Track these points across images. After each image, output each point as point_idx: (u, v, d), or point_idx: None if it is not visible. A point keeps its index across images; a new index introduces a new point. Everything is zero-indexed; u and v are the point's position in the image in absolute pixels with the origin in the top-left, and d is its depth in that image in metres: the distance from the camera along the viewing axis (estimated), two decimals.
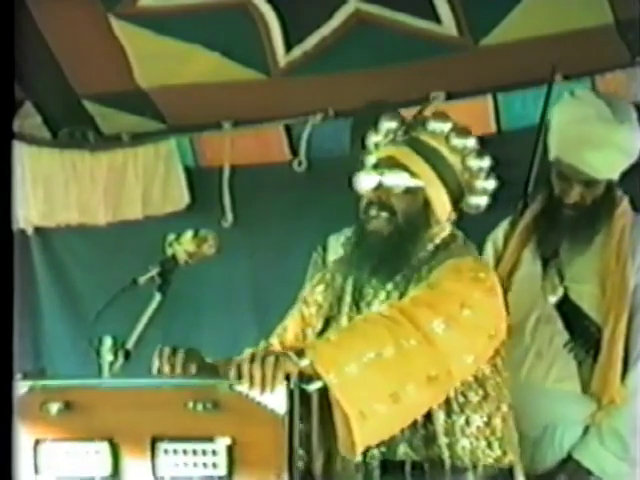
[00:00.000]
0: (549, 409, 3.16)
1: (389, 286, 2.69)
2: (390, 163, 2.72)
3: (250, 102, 4.29)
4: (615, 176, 3.22)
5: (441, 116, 2.78)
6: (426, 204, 2.71)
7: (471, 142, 2.74)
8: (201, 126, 4.46)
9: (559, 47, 3.65)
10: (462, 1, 3.82)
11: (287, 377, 2.31)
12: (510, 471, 2.69)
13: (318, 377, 2.35)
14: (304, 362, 2.35)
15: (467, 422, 2.60)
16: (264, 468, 2.29)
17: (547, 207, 3.29)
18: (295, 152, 4.31)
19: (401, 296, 2.64)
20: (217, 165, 4.43)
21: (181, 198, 4.46)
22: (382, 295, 2.69)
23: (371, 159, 2.82)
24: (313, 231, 3.73)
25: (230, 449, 2.31)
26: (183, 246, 2.73)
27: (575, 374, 3.15)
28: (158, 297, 2.67)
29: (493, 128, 3.97)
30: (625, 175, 3.25)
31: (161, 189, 4.49)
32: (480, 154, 2.75)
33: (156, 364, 2.62)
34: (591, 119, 3.18)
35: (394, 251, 2.68)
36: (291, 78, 4.14)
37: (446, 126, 2.74)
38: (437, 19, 3.88)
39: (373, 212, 2.70)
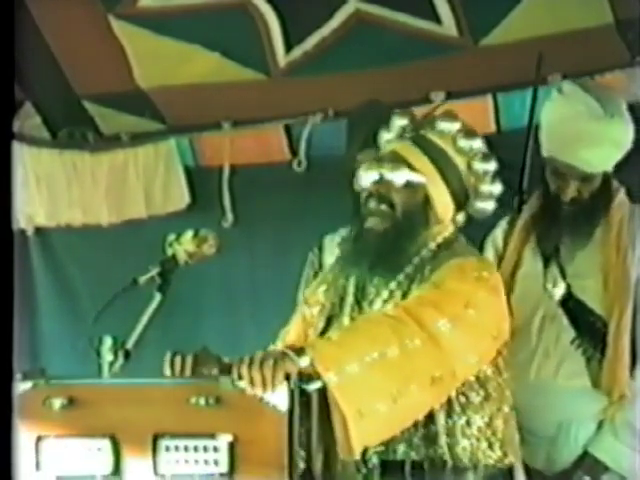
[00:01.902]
0: (561, 407, 3.16)
1: (392, 285, 2.68)
2: (392, 157, 2.71)
3: (250, 102, 4.29)
4: (610, 168, 3.22)
5: (450, 116, 2.77)
6: (426, 201, 2.70)
7: (477, 144, 2.73)
8: (201, 126, 4.46)
9: (559, 47, 3.65)
10: (462, 1, 3.82)
11: (287, 377, 2.31)
12: (510, 471, 2.69)
13: (318, 376, 2.35)
14: (304, 361, 2.35)
15: (468, 423, 2.59)
16: (266, 465, 2.29)
17: (544, 204, 3.29)
18: (295, 152, 4.31)
19: (404, 295, 2.64)
20: (217, 165, 4.43)
21: (182, 198, 4.46)
22: (385, 294, 2.68)
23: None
24: (313, 231, 3.72)
25: (232, 446, 2.31)
26: (183, 246, 2.73)
27: (584, 370, 3.15)
28: (158, 297, 2.67)
29: (493, 128, 3.97)
30: (621, 166, 3.25)
31: (162, 189, 4.49)
32: (486, 157, 2.74)
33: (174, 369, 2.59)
34: (582, 117, 3.18)
35: (391, 247, 2.67)
36: (291, 78, 4.14)
37: (454, 126, 2.73)
38: (437, 19, 3.88)
39: (372, 205, 2.70)
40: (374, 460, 2.57)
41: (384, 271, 2.68)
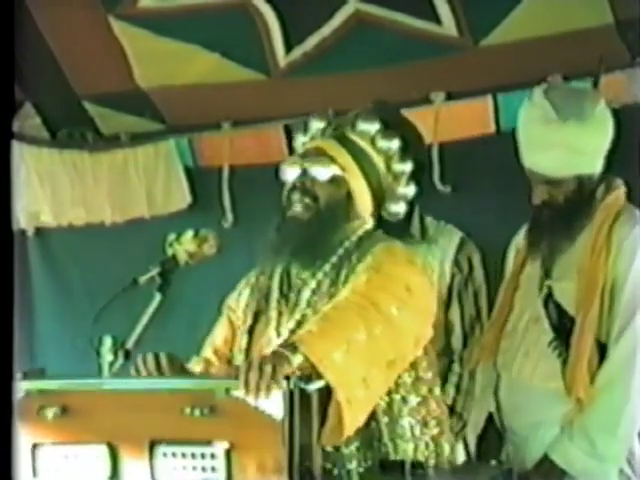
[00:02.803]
0: (535, 408, 3.17)
1: (319, 275, 2.72)
2: (316, 152, 2.78)
3: (250, 102, 4.28)
4: (585, 171, 3.21)
5: (369, 117, 2.81)
6: (348, 197, 2.75)
7: (395, 144, 2.79)
8: (201, 126, 4.46)
9: (559, 47, 3.65)
10: (462, 2, 3.82)
11: (287, 377, 2.31)
12: (510, 471, 2.70)
13: (314, 370, 2.35)
14: (298, 358, 2.36)
15: (404, 401, 2.64)
16: (262, 472, 2.30)
17: (532, 209, 3.31)
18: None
19: (332, 283, 2.68)
20: (216, 165, 4.43)
21: (183, 198, 4.46)
22: (312, 284, 2.72)
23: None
24: None
25: (228, 453, 2.31)
26: (183, 246, 2.73)
27: (559, 373, 3.14)
28: (158, 297, 2.68)
29: (493, 128, 3.97)
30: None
31: (163, 189, 4.49)
32: (404, 158, 2.80)
33: (142, 371, 2.65)
34: (536, 121, 3.21)
35: (314, 236, 2.72)
36: (291, 78, 4.14)
37: (373, 127, 2.79)
38: (437, 20, 3.87)
39: (295, 197, 2.76)
40: (375, 460, 2.58)
41: (306, 260, 2.73)
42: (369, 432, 2.59)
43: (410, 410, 2.64)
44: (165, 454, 2.35)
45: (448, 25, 3.86)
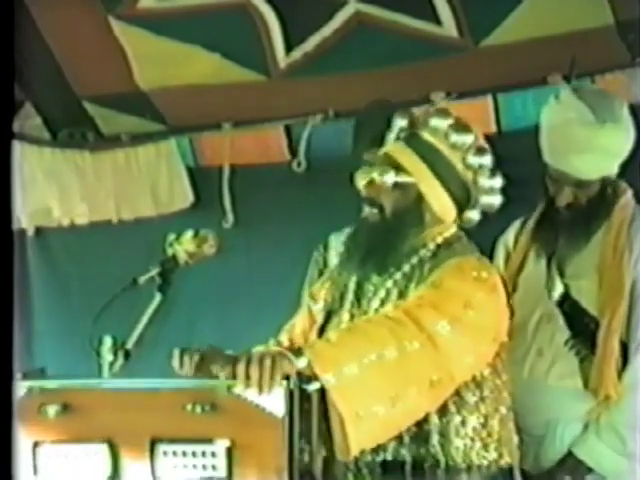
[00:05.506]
0: (551, 406, 3.16)
1: (389, 284, 2.68)
2: (382, 160, 2.73)
3: (250, 103, 4.29)
4: (609, 173, 3.21)
5: (442, 112, 2.75)
6: (420, 201, 2.69)
7: (470, 138, 2.71)
8: (201, 127, 4.46)
9: (559, 47, 3.65)
10: (462, 2, 3.82)
11: (287, 377, 2.31)
12: (510, 471, 2.69)
13: (316, 377, 2.34)
14: (302, 362, 2.35)
15: (462, 423, 2.58)
16: (263, 470, 2.29)
17: (545, 208, 3.31)
18: (294, 153, 4.31)
19: (400, 294, 2.64)
20: (217, 165, 4.43)
21: (185, 196, 4.46)
22: (382, 293, 2.68)
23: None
24: (312, 231, 3.73)
25: (229, 451, 2.31)
26: (183, 246, 2.73)
27: (577, 371, 3.15)
28: (158, 297, 2.68)
29: (493, 128, 3.96)
30: (628, 167, 3.24)
31: (166, 188, 4.50)
32: (481, 151, 2.72)
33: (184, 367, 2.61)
34: (572, 123, 3.17)
35: (380, 244, 2.68)
36: (291, 79, 4.14)
37: (446, 122, 2.71)
38: (437, 20, 3.88)
39: (365, 209, 2.73)
40: (375, 460, 2.57)
41: (374, 267, 2.69)
42: (423, 452, 2.57)
43: (469, 432, 2.58)
44: (166, 452, 2.35)
45: (448, 26, 3.87)
